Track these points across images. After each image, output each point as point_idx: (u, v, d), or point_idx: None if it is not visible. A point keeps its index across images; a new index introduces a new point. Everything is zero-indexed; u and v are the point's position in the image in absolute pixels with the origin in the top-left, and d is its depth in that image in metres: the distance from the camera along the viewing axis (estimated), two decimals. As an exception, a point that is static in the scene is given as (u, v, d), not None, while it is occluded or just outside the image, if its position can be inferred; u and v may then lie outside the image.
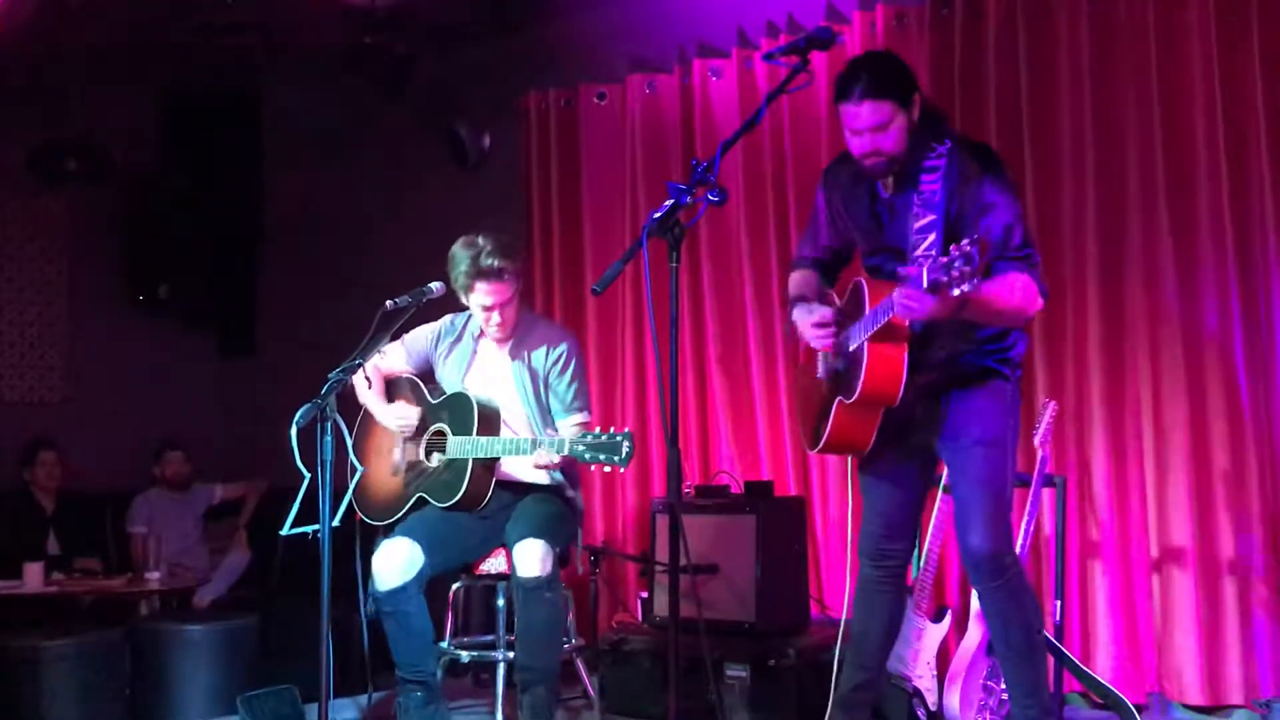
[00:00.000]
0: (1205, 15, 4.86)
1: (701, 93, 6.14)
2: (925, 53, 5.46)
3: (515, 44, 6.86)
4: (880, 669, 3.98)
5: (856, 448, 3.74)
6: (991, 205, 3.50)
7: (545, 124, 6.65)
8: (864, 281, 3.64)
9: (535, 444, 4.32)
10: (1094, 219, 5.09)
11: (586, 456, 4.12)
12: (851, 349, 3.62)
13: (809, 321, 3.72)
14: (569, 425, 4.58)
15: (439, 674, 4.59)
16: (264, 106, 7.99)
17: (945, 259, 3.10)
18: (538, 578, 4.39)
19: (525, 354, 4.66)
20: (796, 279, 3.94)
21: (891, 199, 3.67)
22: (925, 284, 3.17)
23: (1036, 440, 4.57)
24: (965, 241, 3.09)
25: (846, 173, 3.76)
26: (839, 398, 3.64)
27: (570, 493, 4.72)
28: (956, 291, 3.10)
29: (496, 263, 4.44)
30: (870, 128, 3.53)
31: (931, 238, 3.49)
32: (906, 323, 3.46)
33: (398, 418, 4.71)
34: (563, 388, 4.63)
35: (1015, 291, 3.46)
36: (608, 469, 4.13)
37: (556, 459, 4.29)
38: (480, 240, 4.48)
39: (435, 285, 4.30)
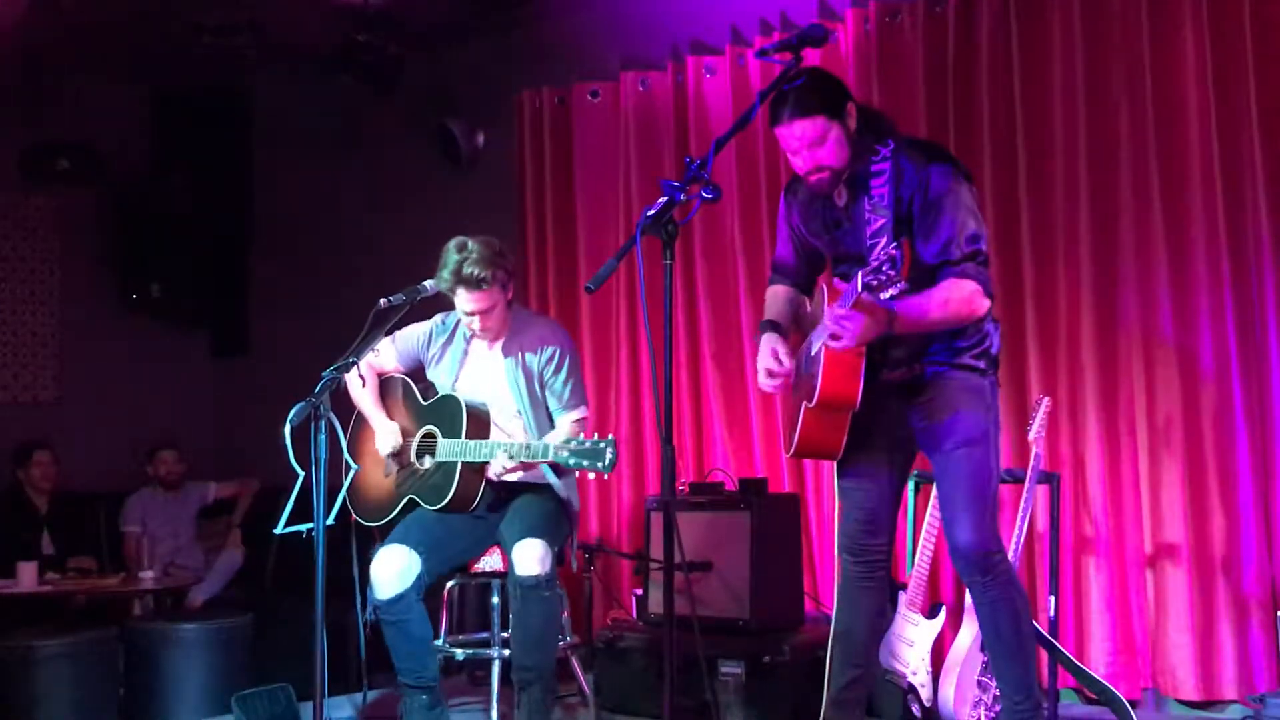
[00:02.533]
0: (1198, 12, 4.87)
1: (695, 90, 6.14)
2: (919, 50, 5.46)
3: (508, 42, 6.85)
4: (870, 664, 3.98)
5: (828, 452, 3.74)
6: (938, 201, 3.53)
7: (539, 122, 6.64)
8: (825, 287, 3.68)
9: (519, 449, 4.32)
10: (1087, 215, 5.10)
11: (571, 463, 4.13)
12: (813, 354, 3.65)
13: (764, 366, 3.74)
14: (567, 422, 4.58)
15: (439, 677, 4.59)
16: (256, 105, 7.99)
17: (874, 264, 3.19)
18: (536, 577, 4.39)
19: (519, 352, 4.65)
20: (770, 297, 3.97)
21: (846, 207, 3.70)
22: (859, 288, 3.22)
23: (1031, 436, 4.57)
24: (892, 245, 3.21)
25: (804, 187, 3.78)
26: (804, 403, 3.67)
27: (564, 490, 4.72)
28: (885, 295, 3.20)
29: (477, 272, 4.42)
30: (806, 146, 3.58)
31: (884, 240, 3.53)
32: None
33: (384, 441, 4.71)
34: (558, 386, 4.62)
35: (949, 302, 3.51)
36: (592, 475, 4.12)
37: (512, 465, 4.30)
38: (470, 245, 4.45)
39: (429, 284, 4.31)
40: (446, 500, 4.48)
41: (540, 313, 6.20)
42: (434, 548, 4.52)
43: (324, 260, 7.59)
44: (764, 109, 3.60)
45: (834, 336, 3.45)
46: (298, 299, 7.69)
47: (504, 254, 4.53)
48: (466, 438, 4.48)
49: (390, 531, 4.60)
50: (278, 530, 3.71)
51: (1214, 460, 4.83)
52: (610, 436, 4.10)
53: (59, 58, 7.01)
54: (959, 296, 3.52)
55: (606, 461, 4.06)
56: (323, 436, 3.58)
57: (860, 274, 3.23)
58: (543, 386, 4.63)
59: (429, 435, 4.63)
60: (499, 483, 4.60)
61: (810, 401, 3.60)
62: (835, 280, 3.70)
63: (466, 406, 4.54)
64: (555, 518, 4.62)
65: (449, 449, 4.51)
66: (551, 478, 4.68)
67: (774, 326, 3.82)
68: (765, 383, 3.75)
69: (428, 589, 4.54)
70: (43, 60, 6.97)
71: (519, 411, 4.64)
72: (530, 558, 4.39)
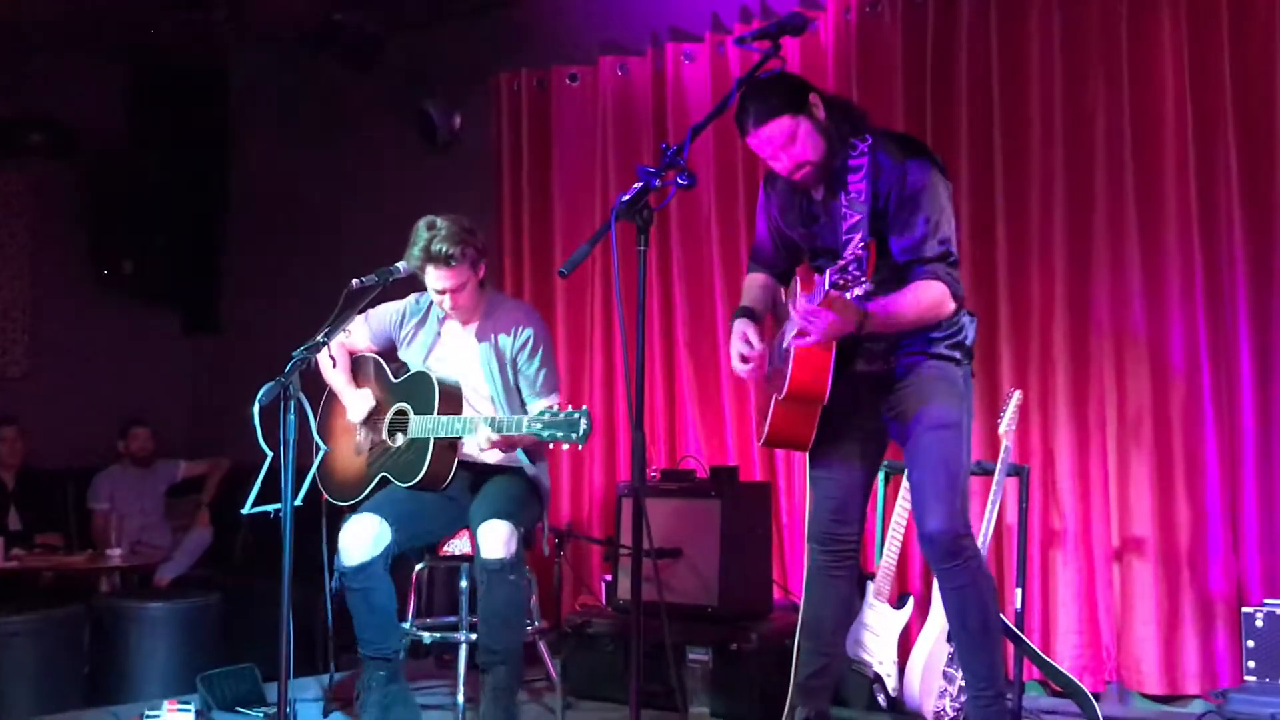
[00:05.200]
0: (1176, 8, 4.88)
1: (674, 76, 6.13)
2: (898, 41, 5.46)
3: (487, 23, 6.82)
4: (837, 653, 3.99)
5: (798, 443, 3.76)
6: (915, 197, 3.55)
7: (516, 104, 6.62)
8: (799, 281, 3.70)
9: (494, 421, 4.31)
10: (1062, 210, 5.11)
11: (544, 435, 4.11)
12: (784, 347, 3.66)
13: (738, 350, 3.75)
14: (538, 408, 4.57)
15: (402, 654, 4.58)
16: (232, 83, 7.94)
17: (841, 263, 3.22)
18: (501, 560, 4.38)
19: (492, 335, 4.64)
20: (749, 284, 3.98)
21: (823, 201, 3.71)
22: (827, 285, 3.25)
23: (1001, 429, 4.59)
24: (859, 245, 3.25)
25: (784, 181, 3.77)
26: (775, 395, 3.68)
27: (535, 473, 4.71)
28: (851, 294, 3.24)
29: (446, 249, 4.40)
30: (780, 147, 3.59)
31: (859, 236, 3.54)
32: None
33: (356, 409, 4.70)
34: (531, 371, 4.61)
35: (920, 303, 3.54)
36: (565, 447, 4.12)
37: (496, 438, 4.29)
38: (439, 223, 4.44)
39: (402, 265, 4.30)
40: (419, 477, 4.47)
41: (515, 296, 6.21)
42: (405, 522, 4.50)
43: (298, 239, 7.56)
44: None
45: (801, 333, 3.49)
46: (271, 277, 7.66)
47: (473, 232, 4.51)
48: (439, 414, 4.47)
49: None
50: (245, 511, 3.70)
51: (1182, 456, 4.85)
52: (584, 407, 4.09)
53: (33, 31, 6.95)
54: (929, 298, 3.54)
55: (581, 432, 4.05)
56: (291, 417, 3.56)
57: (828, 272, 3.25)
58: (515, 371, 4.62)
59: (401, 412, 4.62)
60: (472, 464, 4.59)
61: (780, 394, 3.62)
62: (811, 275, 3.72)
63: (439, 383, 4.53)
64: (525, 500, 4.62)
65: (422, 425, 4.50)
66: (524, 461, 4.68)
67: (748, 313, 3.83)
68: (739, 368, 3.76)
69: (394, 564, 4.52)
70: (16, 34, 6.90)
71: (491, 396, 4.63)
72: (496, 540, 4.38)
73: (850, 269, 3.19)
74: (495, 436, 4.29)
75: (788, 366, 3.57)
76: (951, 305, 3.59)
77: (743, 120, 3.58)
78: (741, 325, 3.78)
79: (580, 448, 4.13)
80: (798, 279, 3.73)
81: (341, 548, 4.42)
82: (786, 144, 3.57)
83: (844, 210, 3.60)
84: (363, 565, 4.39)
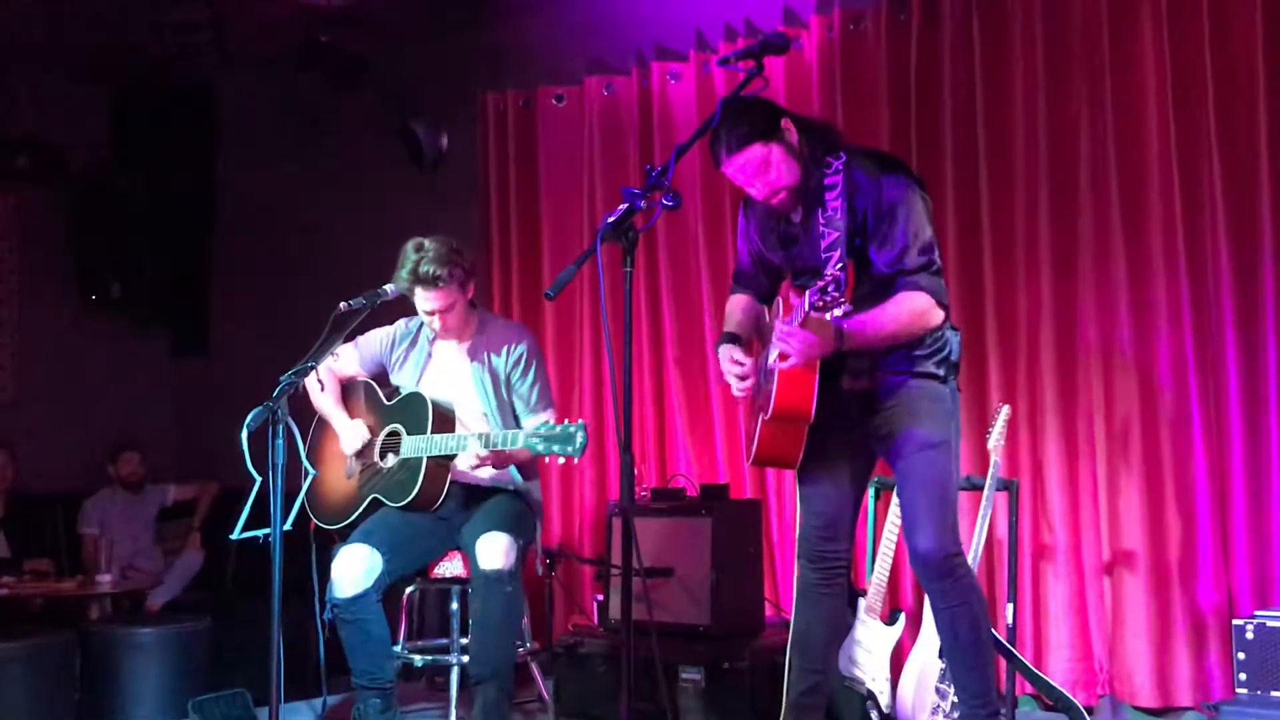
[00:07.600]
0: (1158, 23, 4.90)
1: (659, 95, 6.14)
2: (882, 58, 5.48)
3: (473, 44, 6.83)
4: (829, 670, 4.00)
5: (786, 462, 3.77)
6: (892, 210, 3.56)
7: (503, 125, 6.63)
8: (782, 302, 3.72)
9: (488, 437, 4.31)
10: (1047, 223, 5.12)
11: (540, 448, 4.12)
12: (769, 367, 3.67)
13: (731, 373, 3.75)
14: (533, 424, 4.57)
15: (394, 679, 4.57)
16: (218, 104, 7.93)
17: (821, 283, 3.23)
18: (499, 570, 4.38)
19: (484, 354, 4.65)
20: (731, 307, 3.98)
21: (801, 222, 3.72)
22: (807, 307, 3.27)
23: (990, 444, 4.59)
24: (838, 266, 3.27)
25: (761, 204, 3.78)
26: (761, 414, 3.68)
27: (529, 490, 4.72)
28: (829, 315, 3.26)
29: (434, 270, 4.42)
30: (754, 175, 3.60)
31: (837, 255, 3.55)
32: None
33: (349, 441, 4.69)
34: (525, 388, 4.63)
35: (902, 314, 3.55)
36: (562, 460, 4.12)
37: (486, 454, 4.28)
38: (427, 244, 4.46)
39: (390, 287, 4.31)
40: (412, 496, 4.47)
41: (504, 316, 6.21)
42: (397, 548, 4.49)
43: (286, 261, 7.55)
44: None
45: (782, 356, 3.50)
46: (259, 300, 7.65)
47: (461, 252, 4.53)
48: (432, 434, 4.46)
49: (352, 533, 4.58)
50: (234, 536, 3.69)
51: (1171, 468, 4.86)
52: (580, 421, 4.11)
53: (19, 54, 6.95)
54: (912, 309, 3.55)
55: (577, 445, 4.06)
56: (280, 441, 3.56)
57: (808, 293, 3.27)
58: (509, 389, 4.63)
59: (393, 434, 4.61)
60: (465, 484, 4.59)
61: (766, 413, 3.62)
62: (791, 295, 3.73)
63: (433, 404, 4.53)
64: (521, 517, 4.64)
65: (414, 445, 4.50)
66: (518, 479, 4.68)
67: (731, 338, 3.84)
68: (739, 388, 3.75)
69: (386, 590, 4.52)
70: (1, 57, 6.90)
71: (485, 414, 4.63)
72: (495, 551, 4.38)
73: (830, 290, 3.21)
74: (484, 452, 4.29)
75: (772, 386, 3.58)
76: (939, 314, 3.60)
77: (715, 150, 3.60)
78: (727, 349, 3.79)
79: (576, 461, 4.14)
80: (780, 300, 3.74)
81: (334, 580, 4.41)
82: (760, 171, 3.58)
83: (821, 229, 3.61)
84: (357, 596, 4.39)
